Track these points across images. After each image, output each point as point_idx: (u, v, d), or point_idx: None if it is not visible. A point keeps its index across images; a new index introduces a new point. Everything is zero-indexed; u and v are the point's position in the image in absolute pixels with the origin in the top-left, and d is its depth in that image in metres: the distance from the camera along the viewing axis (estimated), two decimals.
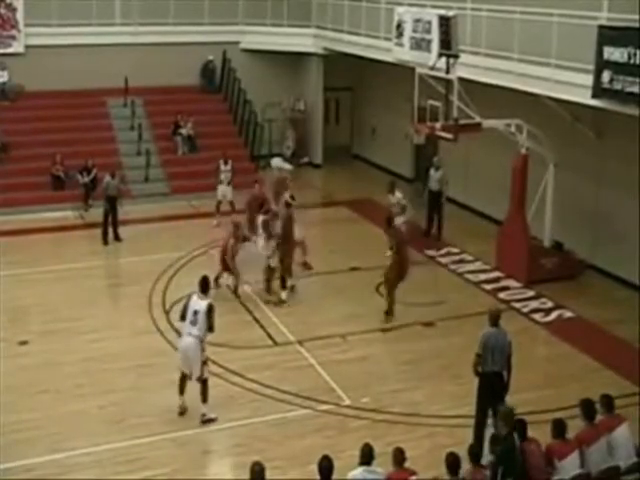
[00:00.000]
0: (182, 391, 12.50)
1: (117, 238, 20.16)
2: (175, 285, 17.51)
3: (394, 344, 15.16)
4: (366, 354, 14.71)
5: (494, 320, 11.51)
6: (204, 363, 12.26)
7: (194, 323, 12.15)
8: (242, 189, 20.90)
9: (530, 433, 9.33)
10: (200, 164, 24.94)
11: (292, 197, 17.26)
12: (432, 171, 20.84)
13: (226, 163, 22.02)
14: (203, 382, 12.32)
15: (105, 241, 20.02)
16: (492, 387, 11.25)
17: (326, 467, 8.46)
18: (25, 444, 11.66)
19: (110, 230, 20.14)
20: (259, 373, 13.75)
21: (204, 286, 12.52)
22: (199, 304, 12.22)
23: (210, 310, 12.18)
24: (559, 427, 9.27)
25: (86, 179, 22.72)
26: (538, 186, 18.03)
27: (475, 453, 8.82)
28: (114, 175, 20.60)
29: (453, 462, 8.60)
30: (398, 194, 18.61)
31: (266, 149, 27.79)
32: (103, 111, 25.98)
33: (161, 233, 21.05)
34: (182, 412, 12.50)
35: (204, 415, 12.36)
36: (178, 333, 15.06)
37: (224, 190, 21.79)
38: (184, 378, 12.43)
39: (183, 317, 12.40)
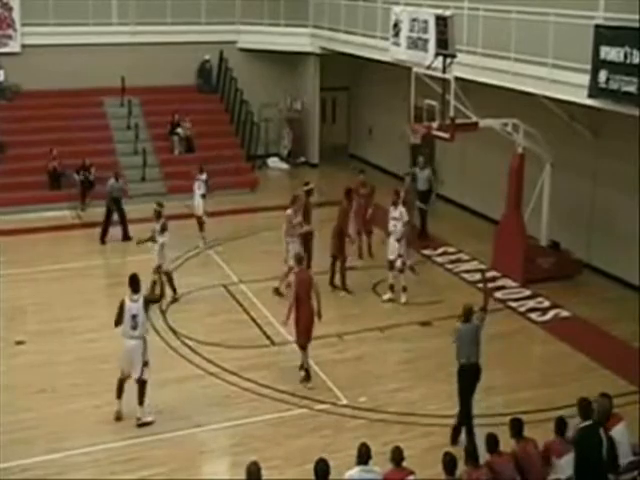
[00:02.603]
0: (120, 395, 12.28)
1: (127, 237, 20.21)
2: None
3: (391, 343, 15.16)
4: (363, 353, 14.72)
5: (467, 315, 11.69)
6: (145, 364, 12.14)
7: (134, 327, 12.04)
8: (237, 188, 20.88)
9: (527, 432, 9.34)
10: (196, 164, 24.87)
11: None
12: (417, 171, 20.76)
13: (201, 172, 20.39)
14: (142, 383, 12.15)
15: (103, 241, 20.05)
16: (471, 379, 11.67)
17: (322, 470, 8.44)
18: (22, 444, 11.65)
19: (110, 231, 20.18)
20: (256, 372, 13.75)
21: (134, 285, 12.36)
22: (135, 307, 12.09)
23: (146, 305, 12.24)
24: (560, 425, 9.27)
25: (82, 178, 22.71)
26: (535, 185, 18.05)
27: (472, 453, 8.82)
28: (118, 177, 20.63)
29: (449, 462, 8.60)
30: (401, 208, 16.90)
31: (263, 149, 27.84)
32: (100, 111, 25.97)
33: None
34: (119, 417, 12.25)
35: (139, 419, 12.16)
36: (175, 333, 15.19)
37: (198, 204, 19.88)
38: (123, 381, 12.27)
39: (118, 323, 12.20)
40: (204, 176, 20.13)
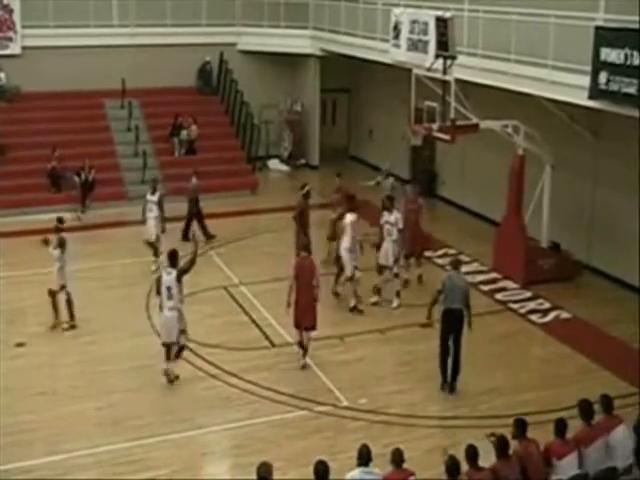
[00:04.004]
0: (168, 357, 13.43)
1: (209, 235, 20.29)
2: None
3: (392, 345, 15.16)
4: (363, 355, 14.72)
5: (455, 265, 13.64)
6: (181, 332, 13.29)
7: (170, 298, 13.13)
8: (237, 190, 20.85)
9: (529, 434, 9.33)
10: (197, 166, 24.91)
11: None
12: (381, 179, 20.47)
13: (153, 192, 18.58)
14: (179, 349, 13.45)
15: (186, 238, 19.63)
16: (451, 321, 13.20)
17: (322, 471, 8.44)
18: (23, 446, 11.66)
19: (191, 229, 20.05)
20: (257, 374, 13.75)
21: (172, 260, 13.32)
22: (169, 280, 13.12)
23: (179, 278, 13.14)
24: (561, 427, 9.27)
25: (83, 180, 22.73)
26: (535, 187, 18.05)
27: (472, 454, 8.81)
28: (197, 175, 20.73)
29: (452, 465, 8.59)
30: (397, 214, 16.59)
31: (263, 151, 27.85)
32: (100, 112, 25.99)
33: None
34: (168, 375, 13.40)
35: (167, 371, 13.35)
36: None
37: (149, 227, 18.32)
38: (167, 347, 13.39)
39: (158, 292, 13.29)
40: (156, 196, 18.45)
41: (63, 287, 15.38)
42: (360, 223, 16.65)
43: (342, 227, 16.52)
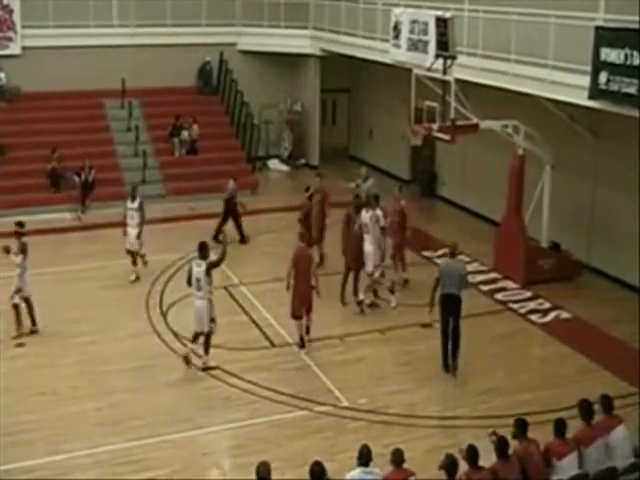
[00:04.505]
0: (194, 340, 14.05)
1: (243, 237, 20.36)
2: (173, 287, 17.52)
3: (392, 345, 15.16)
4: (363, 355, 14.72)
5: (452, 251, 14.31)
6: (211, 320, 13.81)
7: (199, 289, 13.74)
8: (237, 190, 20.84)
9: (529, 434, 9.33)
10: (197, 166, 24.99)
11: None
12: (360, 182, 20.21)
13: (133, 199, 18.06)
14: (208, 336, 13.87)
15: (217, 239, 19.17)
16: (449, 305, 13.82)
17: (318, 472, 8.44)
18: (23, 446, 11.66)
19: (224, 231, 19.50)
20: (257, 374, 13.76)
21: (202, 252, 13.86)
22: (198, 272, 13.68)
23: (208, 271, 13.66)
24: (560, 427, 9.28)
25: (83, 180, 22.73)
26: (535, 187, 18.05)
27: (472, 455, 8.82)
28: (236, 179, 20.75)
29: (450, 464, 8.60)
30: (379, 212, 16.34)
31: (263, 151, 27.84)
32: (100, 113, 25.98)
33: (158, 235, 21.00)
34: (187, 359, 13.88)
35: (205, 364, 13.90)
36: (175, 335, 15.22)
37: (131, 236, 17.85)
38: (197, 335, 13.96)
39: (189, 282, 13.90)
40: (136, 203, 17.91)
41: (19, 291, 14.98)
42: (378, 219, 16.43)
43: (362, 224, 16.23)
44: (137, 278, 17.90)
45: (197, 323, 13.90)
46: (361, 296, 16.37)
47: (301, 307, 14.55)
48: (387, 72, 23.15)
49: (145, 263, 18.21)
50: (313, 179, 19.59)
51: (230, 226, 20.16)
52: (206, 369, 13.86)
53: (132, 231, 17.80)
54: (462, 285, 13.89)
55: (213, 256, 14.44)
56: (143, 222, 17.92)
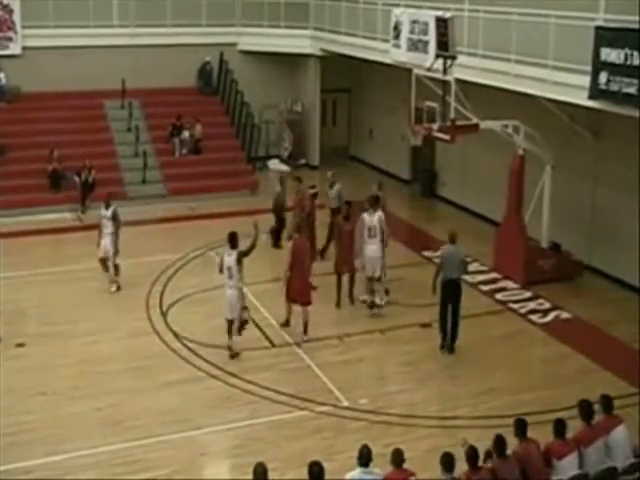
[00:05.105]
0: (230, 334, 14.34)
1: (276, 241, 20.20)
2: (173, 287, 17.54)
3: (392, 345, 15.15)
4: (363, 355, 14.72)
5: (452, 239, 14.80)
6: (243, 308, 14.25)
7: (230, 277, 14.10)
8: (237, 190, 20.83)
9: (529, 434, 9.33)
10: (198, 166, 24.98)
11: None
12: (327, 188, 20.00)
13: (107, 207, 17.35)
14: (241, 324, 14.26)
15: (278, 245, 19.78)
16: (450, 290, 14.54)
17: (316, 472, 8.43)
18: (23, 446, 11.65)
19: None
20: (257, 374, 13.75)
21: (232, 241, 14.14)
22: (230, 261, 14.04)
23: (239, 259, 13.97)
24: (560, 427, 9.27)
25: (83, 180, 22.73)
26: (535, 187, 18.05)
27: (472, 455, 8.81)
28: (283, 183, 20.75)
29: (448, 460, 8.63)
30: (368, 217, 16.11)
31: (263, 151, 27.82)
32: (100, 113, 25.98)
33: (158, 235, 21.05)
34: (233, 355, 14.31)
35: (231, 349, 14.30)
36: (176, 335, 15.21)
37: (105, 245, 17.20)
38: (230, 323, 14.25)
39: (221, 271, 14.21)
40: (109, 212, 17.26)
41: None
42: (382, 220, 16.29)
43: (369, 227, 16.08)
44: (119, 288, 17.37)
45: (228, 311, 14.26)
46: (368, 298, 16.30)
47: (297, 296, 14.96)
48: (387, 72, 23.15)
49: (116, 273, 17.33)
50: (293, 182, 19.69)
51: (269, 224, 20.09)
52: (234, 355, 14.28)
53: (105, 240, 17.13)
54: (462, 270, 14.70)
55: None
56: (118, 231, 17.20)
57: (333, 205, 19.60)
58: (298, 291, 14.95)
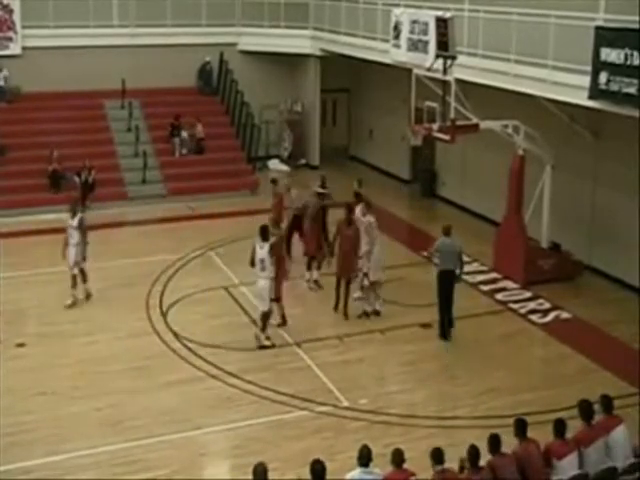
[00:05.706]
0: (264, 326, 14.76)
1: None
2: (173, 287, 17.53)
3: (392, 345, 15.15)
4: (363, 355, 14.71)
5: (446, 231, 15.21)
6: (272, 300, 14.68)
7: (262, 269, 14.44)
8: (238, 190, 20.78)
9: (529, 434, 9.33)
10: (198, 166, 24.99)
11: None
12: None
13: (73, 215, 16.29)
14: (267, 315, 14.67)
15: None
16: (445, 280, 14.98)
17: (319, 470, 8.43)
18: (23, 446, 11.65)
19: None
20: (256, 375, 13.75)
21: (263, 234, 14.48)
22: (261, 253, 14.37)
23: (271, 251, 14.34)
24: (560, 427, 9.28)
25: (83, 180, 22.73)
26: (535, 187, 18.04)
27: (473, 455, 8.82)
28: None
29: (437, 454, 8.70)
30: (370, 217, 16.16)
31: (263, 151, 27.84)
32: (100, 113, 25.99)
33: (158, 235, 21.05)
34: (258, 342, 14.68)
35: (259, 341, 14.64)
36: (176, 335, 15.21)
37: (72, 257, 16.21)
38: (265, 316, 14.68)
39: (252, 263, 14.53)
40: (76, 221, 16.26)
41: None
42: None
43: (372, 227, 16.10)
44: (74, 303, 16.40)
45: (260, 303, 14.70)
46: (369, 307, 16.23)
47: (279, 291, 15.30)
48: (387, 72, 23.15)
49: (84, 280, 16.59)
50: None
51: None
52: (262, 347, 14.60)
53: (71, 252, 16.18)
54: (458, 262, 14.98)
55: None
56: (84, 241, 16.29)
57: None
58: (279, 286, 15.31)
